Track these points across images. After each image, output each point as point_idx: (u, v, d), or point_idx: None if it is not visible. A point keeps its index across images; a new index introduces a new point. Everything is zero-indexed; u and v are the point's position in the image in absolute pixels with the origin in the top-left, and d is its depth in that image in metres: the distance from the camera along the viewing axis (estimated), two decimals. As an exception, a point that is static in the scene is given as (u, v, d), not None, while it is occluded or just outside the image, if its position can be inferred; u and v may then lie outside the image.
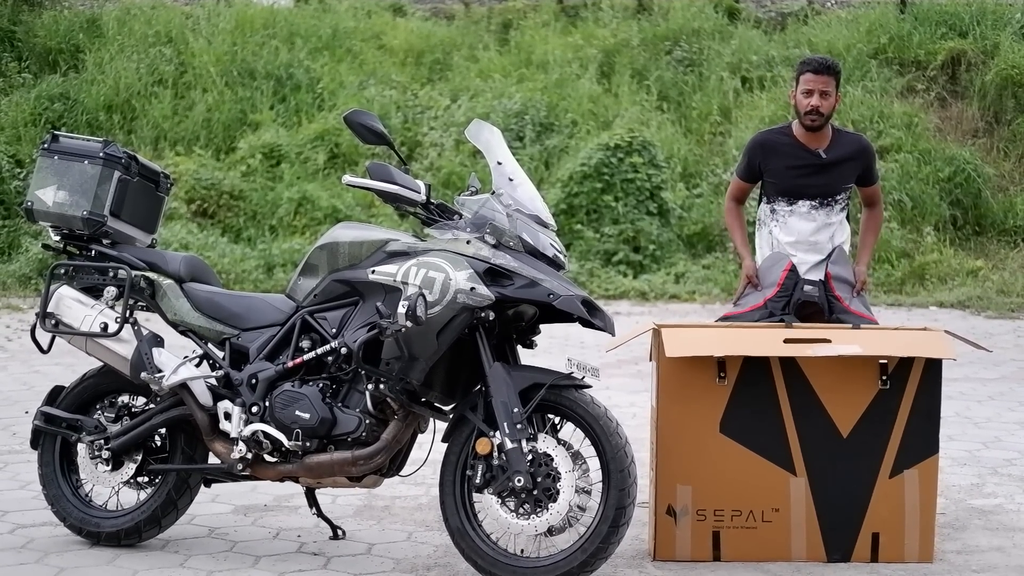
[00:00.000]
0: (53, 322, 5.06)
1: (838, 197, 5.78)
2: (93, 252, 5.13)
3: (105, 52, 17.41)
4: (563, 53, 18.02)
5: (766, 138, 5.93)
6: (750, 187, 6.03)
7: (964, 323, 12.35)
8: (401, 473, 5.01)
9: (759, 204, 5.98)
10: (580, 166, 15.13)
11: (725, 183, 15.70)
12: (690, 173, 16.15)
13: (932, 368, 5.06)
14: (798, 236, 5.75)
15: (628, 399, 8.11)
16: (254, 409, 4.85)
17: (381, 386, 4.74)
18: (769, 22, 19.19)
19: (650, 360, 5.28)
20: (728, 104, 17.12)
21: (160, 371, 4.90)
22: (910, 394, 5.04)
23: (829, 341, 5.00)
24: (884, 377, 5.02)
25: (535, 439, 4.62)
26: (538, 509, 4.60)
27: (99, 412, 5.15)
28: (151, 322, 5.23)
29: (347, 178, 4.86)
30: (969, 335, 6.69)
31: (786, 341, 5.00)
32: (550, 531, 4.66)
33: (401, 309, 4.51)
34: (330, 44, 18.26)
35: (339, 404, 4.83)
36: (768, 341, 5.04)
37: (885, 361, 5.02)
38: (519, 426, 4.55)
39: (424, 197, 4.77)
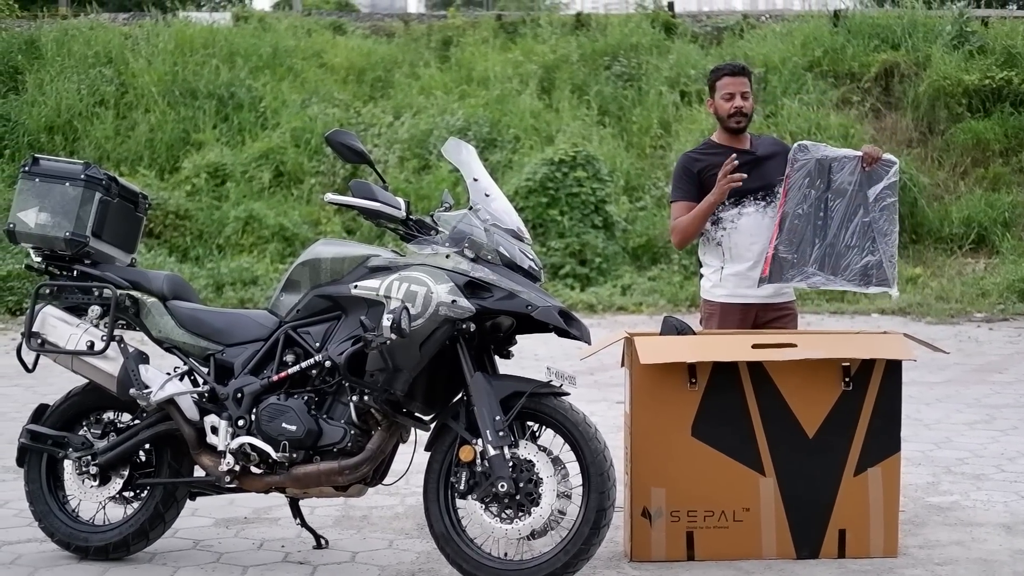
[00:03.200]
0: (39, 341, 5.11)
1: (776, 191, 5.74)
2: (75, 272, 5.19)
3: (45, 73, 17.41)
4: (503, 69, 18.22)
5: (693, 155, 5.93)
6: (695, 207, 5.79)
7: (906, 329, 12.49)
8: (384, 482, 5.13)
9: None
10: (525, 181, 15.31)
11: (667, 195, 15.90)
12: (633, 186, 16.38)
13: (892, 370, 5.24)
14: (753, 234, 5.74)
15: (587, 408, 8.16)
16: (240, 422, 4.93)
17: (365, 397, 4.85)
18: (705, 36, 19.53)
19: (622, 367, 5.44)
20: (668, 118, 17.39)
21: (148, 387, 4.97)
22: (872, 395, 5.21)
23: (795, 346, 5.17)
24: (847, 379, 5.19)
25: (516, 446, 4.74)
26: (520, 514, 4.72)
27: (85, 429, 5.22)
28: (134, 340, 5.32)
29: (330, 196, 4.96)
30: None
31: (754, 347, 5.17)
32: (532, 535, 4.77)
33: (386, 322, 4.61)
34: (271, 63, 18.35)
35: (324, 416, 4.92)
36: (737, 347, 5.20)
37: (848, 364, 5.19)
38: (501, 433, 4.67)
39: (404, 213, 4.90)
